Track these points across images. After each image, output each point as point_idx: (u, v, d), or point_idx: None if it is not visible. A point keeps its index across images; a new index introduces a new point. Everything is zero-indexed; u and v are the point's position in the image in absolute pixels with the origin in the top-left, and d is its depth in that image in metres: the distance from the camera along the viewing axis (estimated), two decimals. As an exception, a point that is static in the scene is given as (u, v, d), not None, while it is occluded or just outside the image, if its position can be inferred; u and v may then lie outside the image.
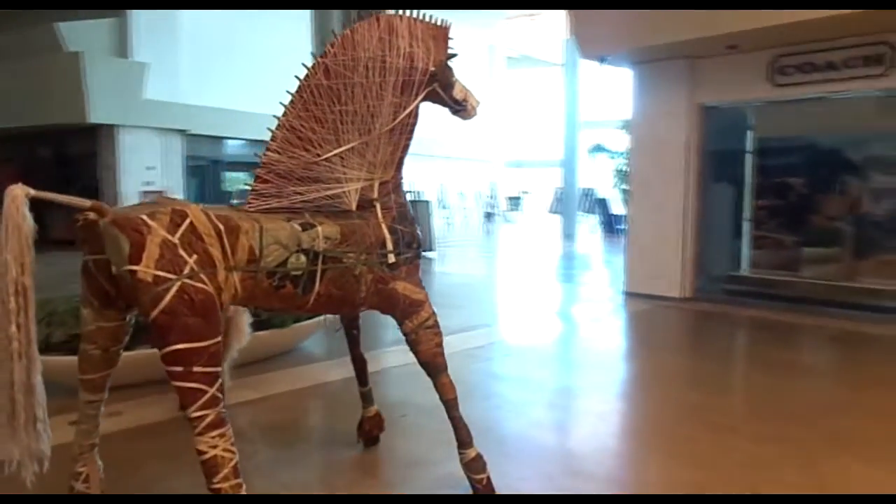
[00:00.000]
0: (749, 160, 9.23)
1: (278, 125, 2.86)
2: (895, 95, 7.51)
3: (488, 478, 3.18)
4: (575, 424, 4.67)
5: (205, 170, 19.59)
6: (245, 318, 3.63)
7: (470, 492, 3.19)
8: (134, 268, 2.28)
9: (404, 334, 3.11)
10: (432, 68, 3.08)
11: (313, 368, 5.66)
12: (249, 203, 2.80)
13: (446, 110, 3.36)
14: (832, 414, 4.60)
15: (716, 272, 9.17)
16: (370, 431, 3.83)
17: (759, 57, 8.07)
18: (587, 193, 24.20)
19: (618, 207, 21.83)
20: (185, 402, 2.37)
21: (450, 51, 3.19)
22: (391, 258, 2.98)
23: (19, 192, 2.20)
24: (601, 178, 24.45)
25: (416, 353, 3.12)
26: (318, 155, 2.86)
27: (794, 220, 9.02)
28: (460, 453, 3.20)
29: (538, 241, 20.18)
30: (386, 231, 2.99)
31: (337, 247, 2.79)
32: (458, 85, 3.24)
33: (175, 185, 17.63)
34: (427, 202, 15.31)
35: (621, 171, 24.01)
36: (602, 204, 21.99)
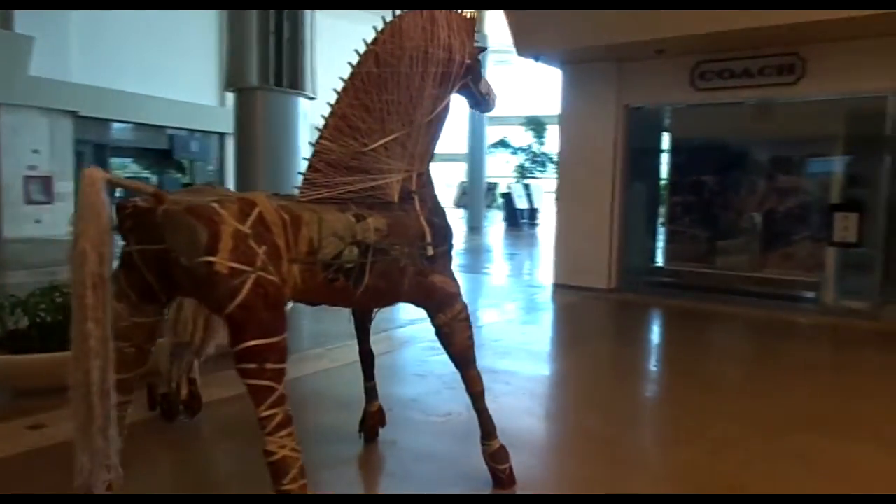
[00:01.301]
0: (667, 159, 9.82)
1: (331, 113, 2.78)
2: (803, 102, 8.22)
3: (511, 468, 3.25)
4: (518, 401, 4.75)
5: (88, 155, 18.26)
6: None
7: (489, 485, 3.22)
8: (211, 259, 2.15)
9: (437, 327, 3.11)
10: (468, 60, 3.10)
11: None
12: (301, 192, 2.71)
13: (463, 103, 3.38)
14: (749, 393, 5.09)
15: (637, 265, 9.69)
16: (374, 426, 3.79)
17: (682, 62, 8.58)
18: (490, 188, 24.80)
19: (521, 202, 22.53)
20: (256, 400, 2.27)
21: (477, 44, 3.22)
22: (430, 251, 2.97)
23: (99, 175, 2.03)
24: (503, 172, 25.16)
25: (448, 345, 3.12)
26: (366, 144, 2.81)
27: (707, 215, 9.68)
28: (484, 444, 3.24)
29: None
30: (425, 223, 2.97)
31: (384, 239, 2.75)
32: (484, 79, 3.27)
33: (63, 170, 16.37)
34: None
35: (524, 166, 24.86)
36: (506, 198, 22.60)
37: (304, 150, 10.35)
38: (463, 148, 29.62)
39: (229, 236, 2.20)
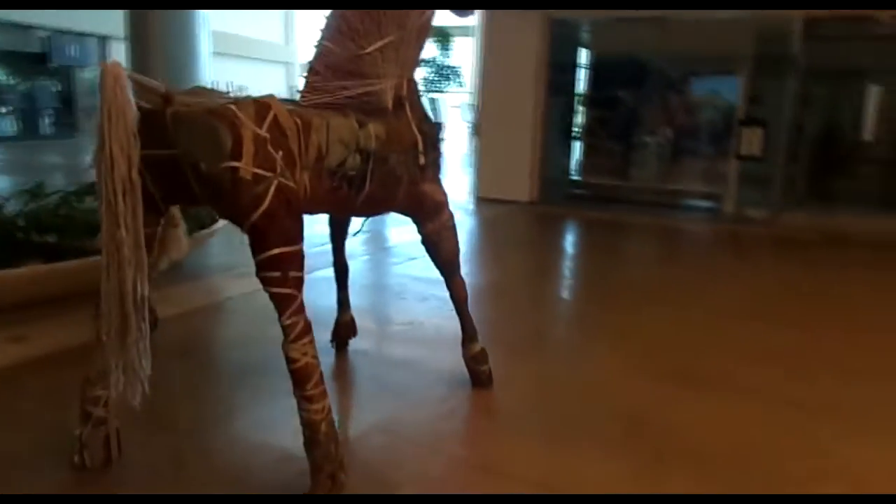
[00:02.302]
0: (586, 74, 10.00)
1: (332, 13, 2.65)
2: (716, 21, 8.52)
3: (490, 368, 3.41)
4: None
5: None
6: (182, 226, 3.42)
7: (468, 385, 3.37)
8: (236, 164, 2.06)
9: (425, 235, 3.14)
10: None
11: (217, 280, 5.36)
12: (303, 96, 2.60)
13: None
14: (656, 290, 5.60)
15: (557, 178, 9.98)
16: (346, 336, 3.83)
17: (608, -24, 8.62)
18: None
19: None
20: (280, 308, 2.25)
21: None
22: (421, 159, 2.96)
23: (121, 71, 1.86)
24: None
25: (436, 252, 3.17)
26: (363, 47, 2.71)
27: (621, 130, 10.05)
28: (466, 347, 3.37)
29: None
30: (416, 131, 2.94)
31: (383, 147, 2.71)
32: None
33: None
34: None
35: (429, 80, 24.43)
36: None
37: (207, 61, 9.79)
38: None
39: (250, 140, 2.10)
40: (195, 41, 12.62)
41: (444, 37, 24.23)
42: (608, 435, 2.97)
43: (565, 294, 5.83)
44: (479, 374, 3.39)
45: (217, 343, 4.31)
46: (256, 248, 2.19)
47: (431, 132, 3.07)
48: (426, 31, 3.02)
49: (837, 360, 4.05)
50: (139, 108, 2.17)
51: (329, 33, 2.68)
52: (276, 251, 2.18)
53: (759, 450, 2.87)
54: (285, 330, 2.27)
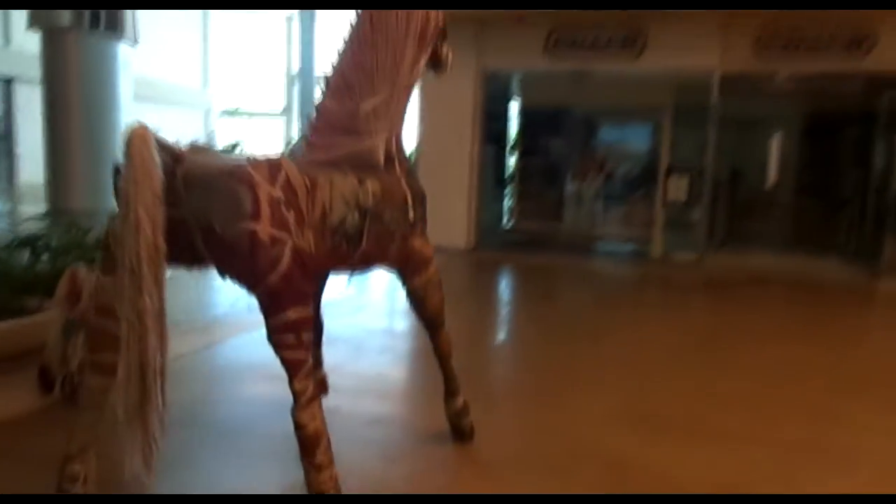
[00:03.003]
0: (517, 123, 10.33)
1: (333, 71, 2.65)
2: (642, 74, 9.01)
3: (472, 421, 3.39)
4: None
5: None
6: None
7: (449, 439, 3.34)
8: (254, 226, 2.00)
9: (412, 290, 3.12)
10: (441, 24, 3.08)
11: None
12: (304, 153, 2.56)
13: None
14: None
15: (493, 224, 10.17)
16: (323, 392, 3.72)
17: (539, 31, 9.01)
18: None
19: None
20: (291, 372, 2.18)
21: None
22: (410, 215, 2.96)
23: (149, 134, 1.79)
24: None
25: (422, 307, 3.15)
26: (358, 105, 2.71)
27: (553, 177, 10.39)
28: (451, 400, 3.34)
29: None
30: (405, 187, 2.95)
31: (379, 203, 2.71)
32: (445, 43, 3.28)
33: None
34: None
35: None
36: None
37: (127, 104, 9.45)
38: (281, 104, 28.88)
39: (266, 201, 2.06)
40: (115, 85, 12.21)
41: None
42: (595, 482, 3.00)
43: (515, 338, 5.94)
44: (461, 428, 3.35)
45: (179, 406, 4.07)
46: (271, 311, 2.12)
47: (418, 187, 3.09)
48: (412, 88, 3.07)
49: (792, 400, 4.27)
50: None
51: (328, 91, 2.68)
52: (291, 314, 2.12)
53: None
54: (296, 395, 2.20)
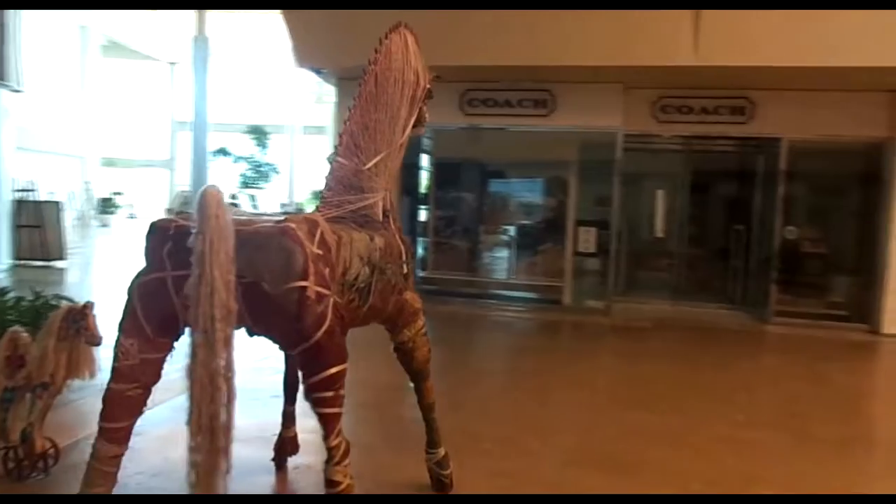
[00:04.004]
0: (431, 176, 10.57)
1: (343, 130, 2.68)
2: (552, 132, 9.54)
3: (451, 473, 3.42)
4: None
5: None
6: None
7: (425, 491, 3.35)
8: (304, 283, 1.99)
9: (401, 343, 3.13)
10: (429, 85, 3.20)
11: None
12: (321, 211, 2.56)
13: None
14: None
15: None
16: (291, 452, 3.62)
17: (454, 88, 9.36)
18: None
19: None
20: (328, 429, 2.16)
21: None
22: (405, 268, 3.02)
23: (222, 195, 1.75)
24: (224, 181, 23.99)
25: (410, 360, 3.17)
26: (364, 163, 2.76)
27: (467, 228, 10.66)
28: (431, 452, 3.35)
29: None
30: (399, 241, 3.01)
31: (383, 258, 2.75)
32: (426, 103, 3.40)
33: None
34: (57, 203, 13.09)
35: (250, 175, 24.03)
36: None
37: (9, 152, 8.88)
38: (165, 153, 27.77)
39: (311, 259, 2.06)
40: (-2, 134, 11.41)
41: (260, 134, 24.19)
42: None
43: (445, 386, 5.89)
44: (442, 479, 3.37)
45: (130, 474, 3.81)
46: (315, 369, 2.10)
47: (408, 241, 3.16)
48: (404, 146, 3.16)
49: (719, 436, 4.59)
50: (181, 227, 2.06)
51: (341, 148, 2.72)
52: (333, 370, 2.11)
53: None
54: (331, 452, 2.18)
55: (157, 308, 2.12)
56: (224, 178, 23.57)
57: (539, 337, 8.37)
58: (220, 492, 1.84)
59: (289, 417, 3.57)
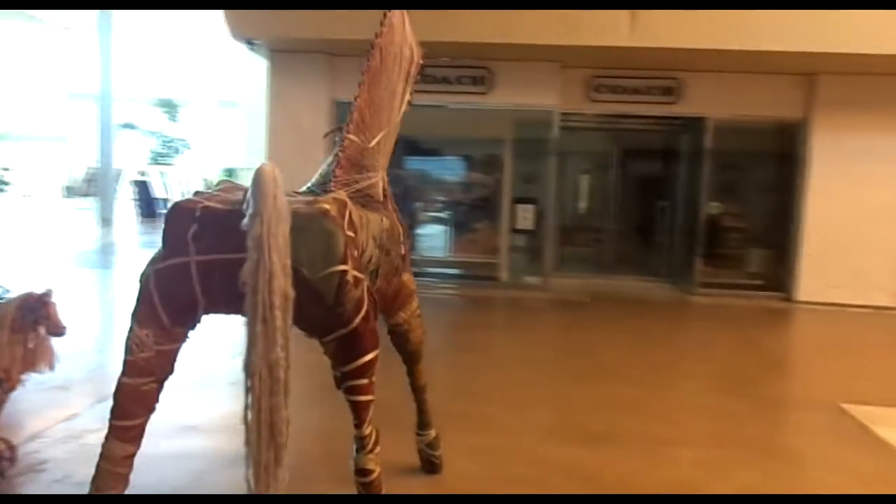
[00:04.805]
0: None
1: (354, 107, 2.56)
2: (489, 110, 9.57)
3: (441, 454, 3.42)
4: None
5: None
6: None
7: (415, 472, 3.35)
8: (345, 268, 1.91)
9: (395, 325, 3.07)
10: (421, 61, 3.13)
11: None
12: (332, 191, 2.45)
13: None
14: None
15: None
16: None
17: (392, 64, 9.20)
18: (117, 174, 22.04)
19: (159, 190, 20.75)
20: (361, 417, 2.10)
21: None
22: (403, 249, 2.96)
23: (278, 174, 1.64)
24: (131, 157, 22.67)
25: (405, 342, 3.12)
26: (369, 140, 2.67)
27: (404, 205, 10.55)
28: (423, 433, 3.34)
29: (68, 227, 17.74)
30: (398, 221, 2.95)
31: (388, 239, 2.69)
32: None
33: None
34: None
35: (158, 152, 22.84)
36: (141, 187, 20.45)
37: None
38: (64, 128, 25.89)
39: (348, 243, 1.99)
40: None
41: (170, 107, 23.00)
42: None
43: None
44: (433, 459, 3.37)
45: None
46: (353, 356, 2.03)
47: (405, 222, 3.10)
48: (399, 124, 3.08)
49: (676, 401, 4.82)
50: (209, 209, 1.93)
51: (352, 126, 2.61)
52: (370, 356, 2.06)
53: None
54: (363, 441, 2.12)
55: (177, 295, 1.99)
56: (132, 154, 22.32)
57: (483, 314, 8.43)
58: (282, 488, 1.76)
59: None
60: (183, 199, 2.12)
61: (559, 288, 9.47)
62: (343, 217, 2.07)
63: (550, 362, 5.91)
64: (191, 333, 2.14)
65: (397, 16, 2.86)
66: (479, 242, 10.34)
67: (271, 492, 1.73)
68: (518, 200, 9.68)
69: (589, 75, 9.38)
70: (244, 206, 1.84)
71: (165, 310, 1.99)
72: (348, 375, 2.07)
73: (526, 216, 9.51)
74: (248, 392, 1.74)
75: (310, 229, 1.94)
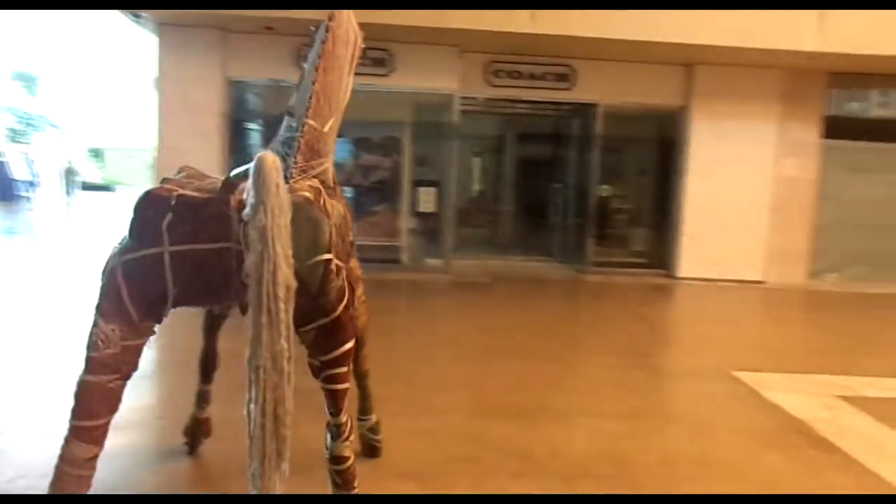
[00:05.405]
0: (261, 136, 10.07)
1: (312, 91, 2.47)
2: (391, 92, 9.50)
3: (381, 438, 3.45)
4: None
5: None
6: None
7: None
8: (329, 257, 1.88)
9: None
10: (363, 45, 3.08)
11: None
12: (293, 178, 2.36)
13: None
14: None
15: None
16: (204, 435, 3.40)
17: (290, 42, 8.93)
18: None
19: (18, 170, 19.00)
20: (337, 406, 2.08)
21: None
22: (351, 235, 2.93)
23: (279, 163, 1.57)
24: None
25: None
26: (323, 125, 2.60)
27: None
28: (364, 419, 3.36)
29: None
30: (345, 207, 2.91)
31: (341, 225, 2.65)
32: None
33: None
34: None
35: (15, 129, 20.90)
36: (-4, 166, 18.59)
37: None
38: None
39: (331, 230, 1.95)
40: None
41: (28, 81, 21.08)
42: (505, 470, 3.34)
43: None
44: (374, 444, 3.39)
45: (11, 478, 3.33)
46: (334, 344, 2.01)
47: (348, 207, 3.06)
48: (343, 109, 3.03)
49: (589, 374, 5.10)
50: (184, 197, 1.84)
51: (312, 112, 2.53)
52: (349, 345, 2.05)
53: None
54: (339, 429, 2.12)
55: (148, 288, 1.89)
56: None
57: (388, 297, 8.41)
58: (284, 483, 1.72)
59: (204, 398, 3.34)
60: (155, 186, 2.00)
61: (459, 269, 9.65)
62: (319, 202, 2.04)
63: (462, 343, 6.03)
64: (157, 328, 2.04)
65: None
66: (379, 225, 10.30)
67: (275, 485, 1.70)
68: (420, 183, 9.73)
69: (488, 60, 9.55)
70: (225, 193, 1.77)
71: (134, 303, 1.88)
72: (328, 364, 2.05)
73: (428, 199, 9.59)
74: (252, 385, 1.68)
75: (297, 218, 1.89)
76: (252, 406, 1.68)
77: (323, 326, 2.01)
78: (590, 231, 10.20)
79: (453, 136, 9.67)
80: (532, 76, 9.65)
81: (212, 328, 3.20)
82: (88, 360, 1.93)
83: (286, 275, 1.69)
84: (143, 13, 8.28)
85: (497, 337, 6.24)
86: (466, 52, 9.27)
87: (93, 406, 1.93)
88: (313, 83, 2.58)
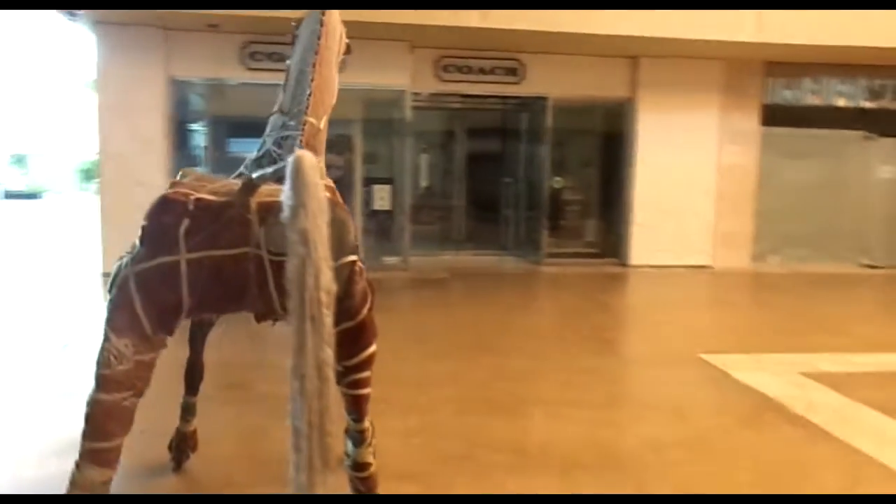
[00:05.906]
0: (207, 135, 9.79)
1: (311, 88, 2.38)
2: (341, 89, 9.35)
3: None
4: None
5: None
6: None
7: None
8: (355, 258, 1.83)
9: None
10: (347, 40, 3.02)
11: None
12: None
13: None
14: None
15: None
16: (191, 449, 3.28)
17: (234, 40, 8.71)
18: None
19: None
20: (362, 411, 2.04)
21: None
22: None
23: (317, 163, 1.50)
24: None
25: None
26: (320, 122, 2.53)
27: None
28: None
29: None
30: None
31: None
32: None
33: None
34: None
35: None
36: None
37: None
38: None
39: (356, 231, 1.90)
40: None
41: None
42: (499, 465, 3.37)
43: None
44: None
45: None
46: (358, 348, 1.95)
47: None
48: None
49: (564, 368, 5.16)
50: (203, 201, 1.76)
51: (311, 109, 2.45)
52: (373, 348, 2.00)
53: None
54: (362, 435, 2.07)
55: (163, 299, 1.79)
56: None
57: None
58: (326, 490, 1.66)
59: (189, 410, 3.21)
60: (170, 190, 1.90)
61: (417, 266, 9.61)
62: (343, 204, 2.00)
63: (432, 340, 6.00)
64: (168, 340, 1.94)
65: None
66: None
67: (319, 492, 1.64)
68: (373, 181, 9.64)
69: (438, 55, 9.53)
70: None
71: (148, 315, 1.79)
72: (352, 369, 1.99)
73: (382, 196, 9.51)
74: (298, 396, 1.61)
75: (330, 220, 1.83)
76: (297, 418, 1.61)
77: (347, 330, 1.96)
78: (543, 223, 10.32)
79: (405, 132, 9.61)
80: (482, 71, 9.68)
81: (196, 338, 3.09)
82: (100, 377, 1.82)
83: (328, 278, 1.64)
84: (79, 12, 7.90)
85: (465, 332, 6.24)
86: (416, 48, 9.22)
87: (107, 426, 1.82)
88: (312, 80, 2.51)
